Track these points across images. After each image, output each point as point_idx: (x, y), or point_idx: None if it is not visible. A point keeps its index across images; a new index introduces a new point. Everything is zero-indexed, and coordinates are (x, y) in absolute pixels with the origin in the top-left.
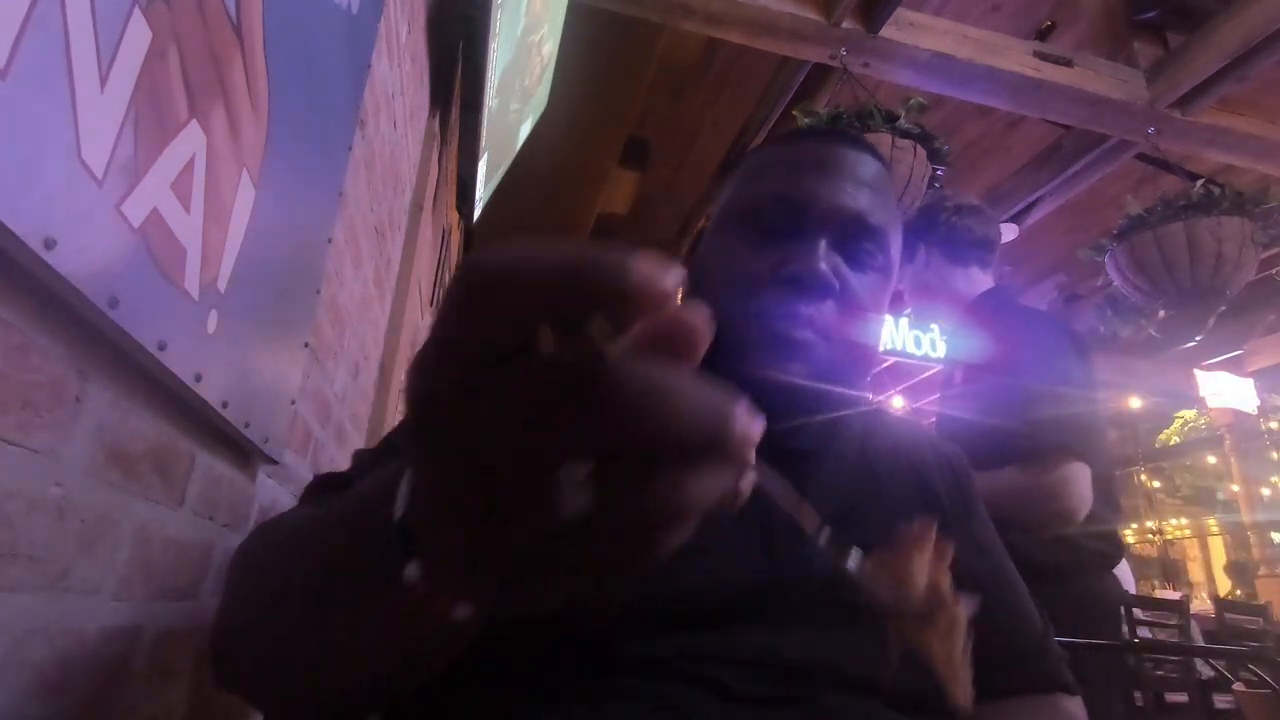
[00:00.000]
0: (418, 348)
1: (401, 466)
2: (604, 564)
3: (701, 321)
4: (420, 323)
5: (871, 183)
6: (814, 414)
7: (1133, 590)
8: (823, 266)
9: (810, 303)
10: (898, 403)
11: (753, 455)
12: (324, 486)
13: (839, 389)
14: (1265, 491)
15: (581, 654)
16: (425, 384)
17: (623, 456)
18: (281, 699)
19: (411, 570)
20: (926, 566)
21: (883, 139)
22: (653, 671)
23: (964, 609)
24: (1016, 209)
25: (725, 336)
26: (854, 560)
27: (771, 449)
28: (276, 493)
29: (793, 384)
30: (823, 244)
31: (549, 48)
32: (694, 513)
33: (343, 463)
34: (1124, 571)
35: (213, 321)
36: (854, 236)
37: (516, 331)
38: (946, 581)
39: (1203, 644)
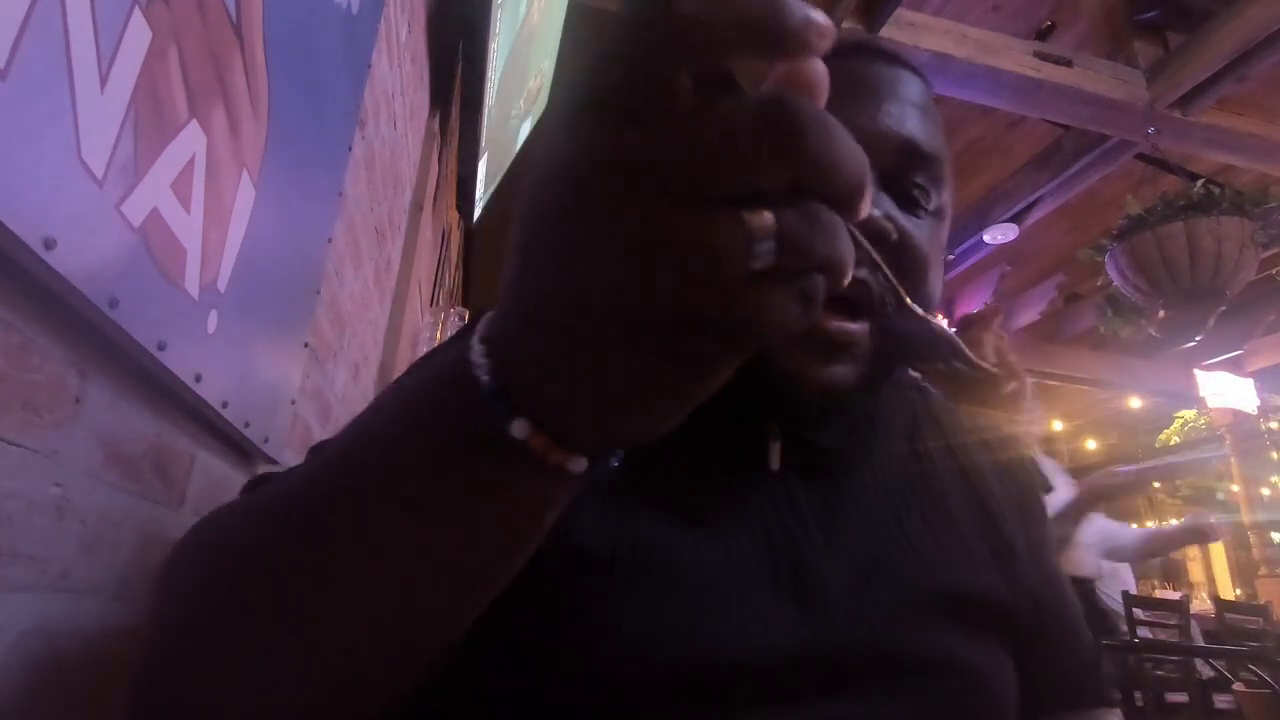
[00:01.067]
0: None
1: (455, 347)
2: (767, 325)
3: (825, 72)
4: (420, 322)
5: (919, 103)
6: (857, 406)
7: (1133, 590)
8: (873, 213)
9: (858, 263)
10: None
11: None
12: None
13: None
14: (1265, 491)
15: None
16: (599, 131)
17: (804, 199)
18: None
19: (519, 427)
20: (994, 340)
21: None
22: (630, 697)
23: (1027, 382)
24: (1016, 209)
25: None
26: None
27: (799, 450)
28: None
29: (834, 379)
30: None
31: (546, 64)
32: (846, 269)
33: None
34: (1125, 572)
35: (213, 321)
36: (904, 171)
37: (708, 66)
38: (1011, 354)
39: (1203, 644)
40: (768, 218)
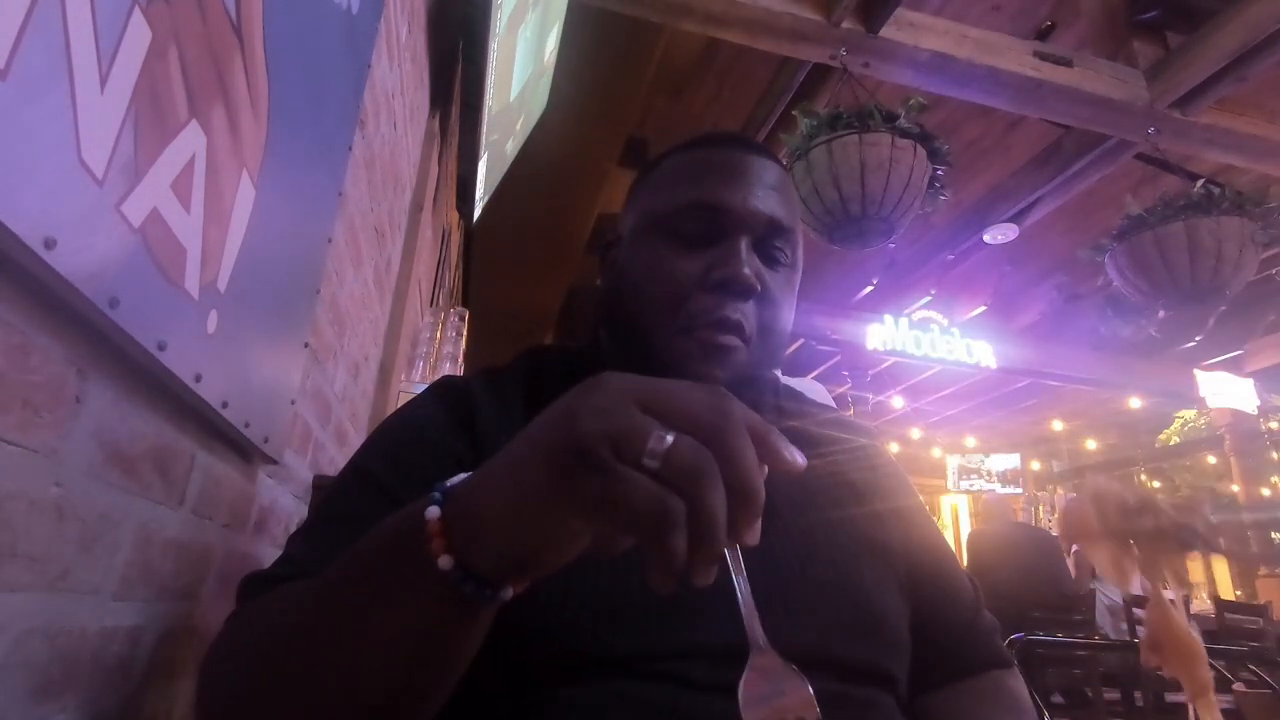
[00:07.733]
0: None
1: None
2: (627, 495)
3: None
4: (420, 323)
5: (778, 186)
6: None
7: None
8: (746, 271)
9: (737, 306)
10: (897, 403)
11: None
12: (265, 580)
13: (755, 388)
14: (1265, 491)
15: (546, 657)
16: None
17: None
18: None
19: (431, 510)
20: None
21: (882, 139)
22: (619, 672)
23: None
24: (1016, 209)
25: (654, 343)
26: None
27: None
28: (276, 493)
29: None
30: (744, 247)
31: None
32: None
33: (342, 463)
34: None
35: (213, 321)
36: (769, 237)
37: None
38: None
39: (1203, 644)
40: (667, 438)
